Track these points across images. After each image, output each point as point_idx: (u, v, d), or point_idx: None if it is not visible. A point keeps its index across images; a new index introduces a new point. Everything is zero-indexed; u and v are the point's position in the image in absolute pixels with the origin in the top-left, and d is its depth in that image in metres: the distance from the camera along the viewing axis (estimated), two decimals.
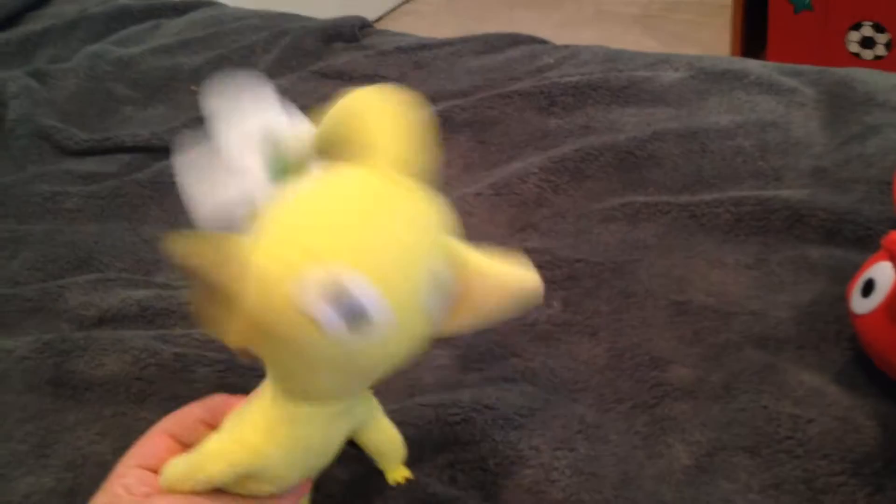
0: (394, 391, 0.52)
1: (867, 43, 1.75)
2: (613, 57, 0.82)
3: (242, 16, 0.95)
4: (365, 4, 2.44)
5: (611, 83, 0.76)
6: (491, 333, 0.55)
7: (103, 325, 0.58)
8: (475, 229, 0.59)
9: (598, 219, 0.64)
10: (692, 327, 0.54)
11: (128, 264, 0.65)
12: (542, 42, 0.89)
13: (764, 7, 1.79)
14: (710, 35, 2.16)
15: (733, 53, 1.89)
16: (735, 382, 0.50)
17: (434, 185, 0.33)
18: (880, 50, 1.74)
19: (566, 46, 0.86)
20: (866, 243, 0.57)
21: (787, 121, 0.69)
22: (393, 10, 2.54)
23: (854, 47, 1.76)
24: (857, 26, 1.74)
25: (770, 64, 0.77)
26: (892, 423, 0.45)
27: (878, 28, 1.72)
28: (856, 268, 0.56)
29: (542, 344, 0.55)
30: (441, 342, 0.54)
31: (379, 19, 2.48)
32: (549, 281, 0.60)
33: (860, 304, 0.47)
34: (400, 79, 0.80)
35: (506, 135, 0.73)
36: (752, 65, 0.77)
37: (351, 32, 0.90)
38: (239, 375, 0.51)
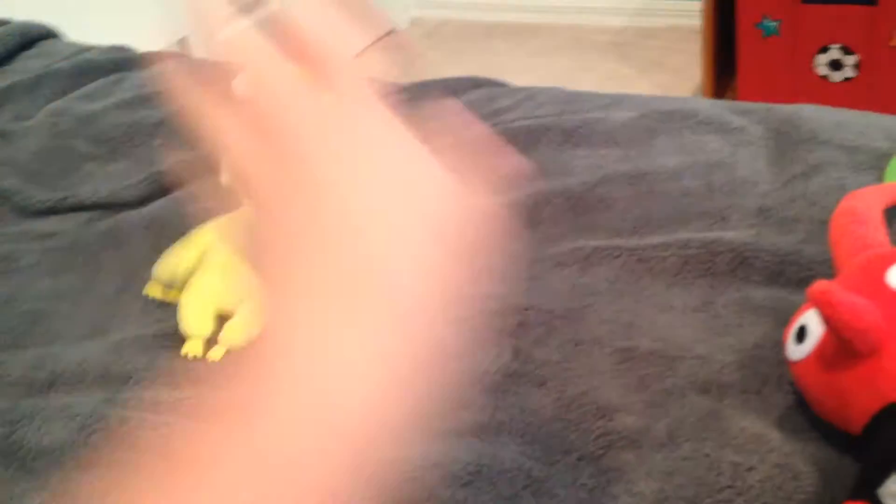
0: None
1: (835, 65, 1.77)
2: (570, 99, 0.84)
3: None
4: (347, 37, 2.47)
5: (563, 125, 0.77)
6: (440, 385, 0.55)
7: (55, 388, 0.58)
8: None
9: (550, 264, 0.65)
10: (638, 374, 0.55)
11: (83, 324, 0.65)
12: (501, 85, 0.90)
13: (734, 33, 1.82)
14: (682, 60, 2.19)
15: (705, 79, 1.92)
16: (679, 430, 0.50)
17: None
18: (849, 72, 1.77)
19: (524, 89, 0.87)
20: (808, 284, 0.57)
21: (733, 160, 0.70)
22: (374, 42, 2.57)
23: (823, 70, 1.79)
24: (824, 49, 1.77)
25: (720, 102, 0.79)
26: (830, 468, 0.46)
27: (846, 50, 1.75)
28: (797, 310, 0.57)
29: (491, 395, 0.55)
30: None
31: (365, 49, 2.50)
32: (500, 330, 0.60)
33: (794, 351, 0.47)
34: None
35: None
36: (702, 104, 0.78)
37: None
38: (183, 438, 0.51)
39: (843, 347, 0.42)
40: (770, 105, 0.77)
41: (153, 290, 0.66)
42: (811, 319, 0.46)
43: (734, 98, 1.92)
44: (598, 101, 0.82)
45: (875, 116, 0.73)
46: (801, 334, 0.47)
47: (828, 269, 0.58)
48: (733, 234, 0.62)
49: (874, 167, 0.66)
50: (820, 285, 0.42)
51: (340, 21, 0.32)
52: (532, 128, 0.77)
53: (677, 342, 0.56)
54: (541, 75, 2.28)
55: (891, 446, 0.40)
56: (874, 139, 0.69)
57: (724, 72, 1.94)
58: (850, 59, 1.76)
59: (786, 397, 0.51)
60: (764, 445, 0.48)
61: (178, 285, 0.64)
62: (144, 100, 0.89)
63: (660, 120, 0.77)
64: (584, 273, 0.63)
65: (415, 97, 0.87)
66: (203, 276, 0.63)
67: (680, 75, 2.16)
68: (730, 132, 0.74)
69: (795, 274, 0.58)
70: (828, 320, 0.42)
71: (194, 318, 0.61)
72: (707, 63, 1.91)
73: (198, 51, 1.89)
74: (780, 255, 0.60)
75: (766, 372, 0.52)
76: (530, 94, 0.85)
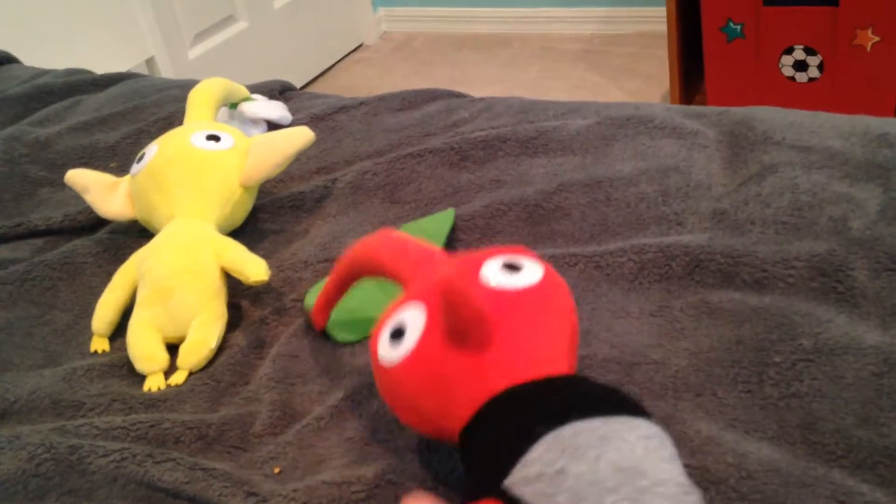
0: (301, 467, 0.51)
1: (800, 66, 1.79)
2: (527, 108, 0.84)
3: (163, 86, 0.96)
4: (317, 55, 2.47)
5: (520, 135, 0.77)
6: None
7: (6, 418, 0.57)
8: None
9: None
10: None
11: (36, 354, 0.64)
12: (460, 96, 0.90)
13: (701, 37, 1.84)
14: (651, 66, 2.20)
15: (673, 84, 1.93)
16: None
17: None
18: (814, 72, 1.79)
19: (482, 99, 0.88)
20: (763, 285, 0.58)
21: (688, 164, 0.71)
22: (343, 58, 2.57)
23: (788, 71, 1.81)
24: (789, 50, 1.79)
25: (675, 107, 0.79)
26: (782, 467, 0.46)
27: (810, 51, 1.77)
28: (753, 310, 0.57)
29: None
30: (347, 413, 0.54)
31: (331, 68, 2.50)
32: None
33: (390, 353, 0.44)
34: (315, 146, 0.80)
35: (419, 192, 0.74)
36: (657, 109, 0.78)
37: (271, 97, 0.91)
38: (137, 464, 0.51)
39: (450, 342, 0.41)
40: (724, 108, 0.77)
41: (99, 345, 0.64)
42: (408, 317, 0.43)
43: (703, 102, 1.93)
44: (556, 109, 0.82)
45: (826, 116, 0.74)
46: (398, 335, 0.43)
47: (782, 269, 0.58)
48: (689, 238, 0.63)
49: (826, 166, 0.66)
50: (451, 275, 0.40)
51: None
52: (490, 138, 0.77)
53: (634, 348, 0.56)
54: (511, 86, 2.29)
55: (507, 434, 0.38)
56: (826, 138, 0.69)
57: (692, 76, 1.96)
58: (814, 60, 1.78)
59: (740, 397, 0.51)
60: (718, 447, 0.48)
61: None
62: (100, 122, 0.88)
63: (616, 126, 0.77)
64: None
65: (373, 111, 0.87)
66: (140, 311, 0.61)
67: (649, 81, 2.18)
68: (685, 136, 0.74)
69: (750, 275, 0.59)
70: (457, 311, 0.40)
71: (144, 356, 0.60)
72: (674, 68, 1.92)
73: (165, 70, 1.88)
74: (734, 256, 0.60)
75: (720, 374, 0.52)
76: (488, 105, 0.85)
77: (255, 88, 0.92)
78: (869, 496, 0.43)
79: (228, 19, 2.15)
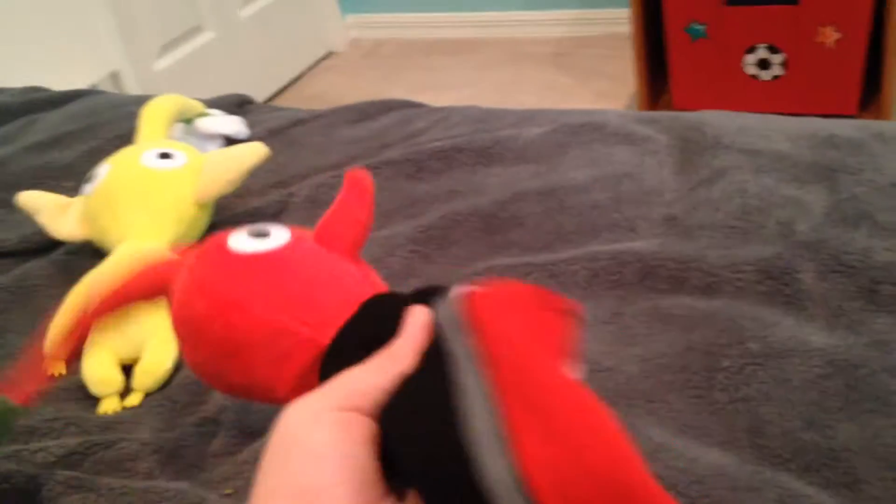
0: None
1: (764, 64, 1.82)
2: (483, 117, 0.84)
3: (120, 104, 0.95)
4: (285, 63, 2.46)
5: (476, 144, 0.77)
6: None
7: None
8: None
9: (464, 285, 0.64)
10: None
11: None
12: (418, 106, 0.90)
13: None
14: (619, 68, 2.22)
15: (638, 85, 1.95)
16: None
17: None
18: (777, 70, 1.81)
19: (440, 109, 0.88)
20: (712, 290, 0.59)
21: (641, 170, 0.71)
22: (313, 66, 2.56)
23: (752, 69, 1.83)
24: (752, 49, 1.81)
25: (628, 113, 0.80)
26: (730, 471, 0.46)
27: (773, 49, 1.79)
28: (703, 315, 0.57)
29: None
30: None
31: (300, 76, 2.50)
32: None
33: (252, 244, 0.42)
34: (272, 160, 0.80)
35: (375, 205, 0.74)
36: (611, 115, 0.79)
37: (229, 112, 0.91)
38: (88, 489, 0.50)
39: None
40: (676, 113, 0.78)
41: (54, 367, 0.63)
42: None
43: (669, 101, 1.95)
44: (511, 117, 0.83)
45: (776, 119, 0.75)
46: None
47: (730, 273, 0.59)
48: (640, 245, 0.63)
49: (775, 169, 0.67)
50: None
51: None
52: (446, 149, 0.77)
53: (587, 356, 0.56)
54: (481, 90, 2.29)
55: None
56: (775, 141, 0.70)
57: (660, 76, 1.98)
58: (777, 58, 1.80)
59: (690, 403, 0.51)
60: (668, 453, 0.48)
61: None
62: (55, 142, 0.87)
63: (570, 134, 0.77)
64: None
65: (330, 123, 0.87)
66: (94, 333, 0.61)
67: (618, 82, 2.19)
68: (637, 142, 0.75)
69: (700, 280, 0.59)
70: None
71: (99, 380, 0.59)
72: (640, 69, 1.94)
73: (130, 84, 1.87)
74: (684, 262, 0.60)
75: (671, 380, 0.53)
76: (445, 115, 0.85)
77: (212, 103, 0.92)
78: (815, 498, 0.44)
79: (195, 30, 2.14)
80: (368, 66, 2.56)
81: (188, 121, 0.82)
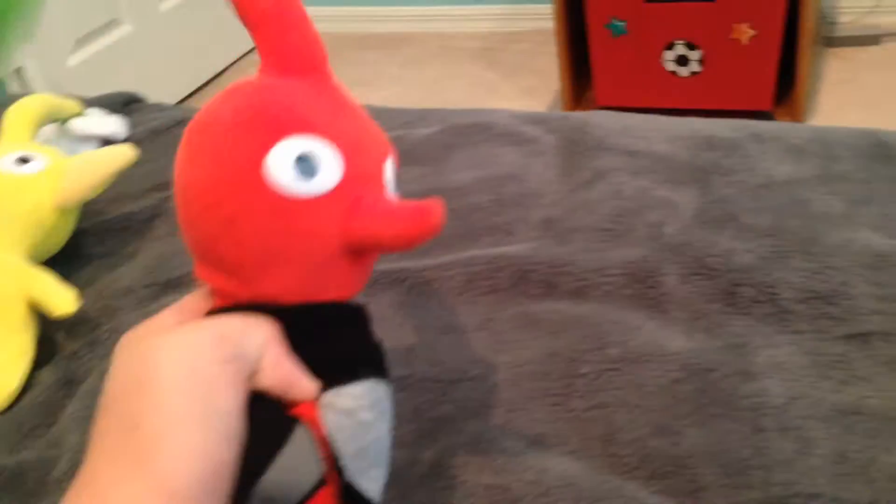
0: None
1: (682, 61, 1.84)
2: (375, 117, 0.82)
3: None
4: (208, 58, 2.40)
5: None
6: None
7: None
8: None
9: None
10: (414, 402, 0.53)
11: None
12: None
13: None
14: (546, 63, 2.22)
15: (562, 81, 1.96)
16: (444, 459, 0.49)
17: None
18: (695, 66, 1.84)
19: None
20: (581, 294, 0.58)
21: (525, 172, 0.71)
22: (238, 60, 2.51)
23: (671, 66, 1.85)
24: (670, 46, 1.83)
25: (519, 113, 0.79)
26: (578, 482, 0.46)
27: (690, 46, 1.81)
28: (570, 320, 0.57)
29: None
30: None
31: (224, 71, 2.44)
32: None
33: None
34: (151, 162, 0.77)
35: None
36: (500, 116, 0.78)
37: (113, 111, 0.87)
38: None
39: None
40: (565, 113, 0.78)
41: None
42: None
43: (593, 97, 1.96)
44: (402, 117, 0.81)
45: (659, 119, 0.75)
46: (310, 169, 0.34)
47: (599, 277, 0.59)
48: (516, 249, 0.62)
49: (652, 171, 0.67)
50: None
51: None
52: None
53: (455, 365, 0.55)
54: (410, 85, 2.27)
55: (343, 354, 0.37)
56: (655, 142, 0.70)
57: (585, 72, 1.99)
58: (694, 54, 1.82)
59: (549, 411, 0.51)
60: (520, 465, 0.47)
61: None
62: None
63: (458, 134, 0.76)
64: (372, 299, 0.62)
65: None
66: None
67: (544, 77, 2.20)
68: (523, 143, 0.74)
69: (569, 284, 0.59)
70: None
71: None
72: (564, 65, 1.94)
73: (36, 80, 1.79)
74: (555, 266, 0.60)
75: (532, 388, 0.52)
76: None
77: (95, 102, 0.88)
78: None
79: (112, 23, 2.07)
80: None
81: (63, 121, 0.79)
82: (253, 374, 0.33)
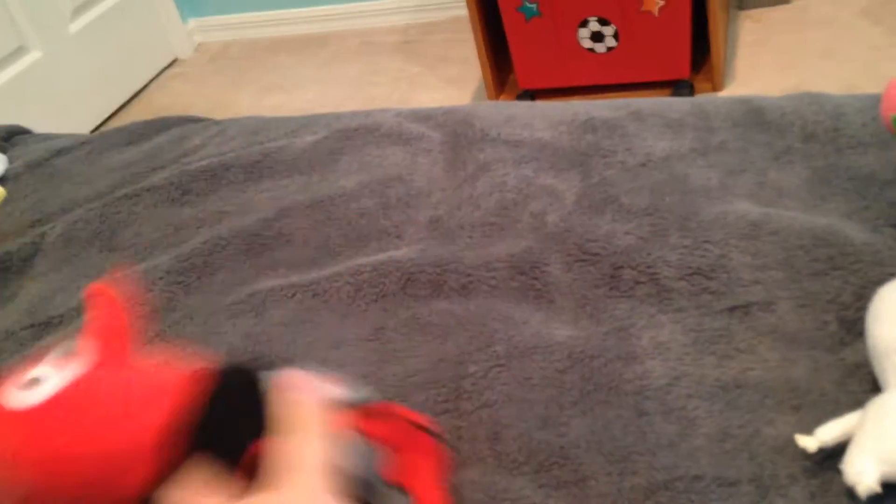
0: None
1: (597, 37, 1.84)
2: (259, 128, 0.80)
3: None
4: (126, 76, 2.33)
5: (244, 160, 0.73)
6: None
7: None
8: None
9: (226, 315, 0.61)
10: None
11: None
12: (197, 121, 0.85)
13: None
14: (467, 51, 2.21)
15: (483, 68, 1.95)
16: None
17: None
18: (610, 41, 1.84)
19: (217, 123, 0.83)
20: (468, 291, 0.57)
21: (411, 171, 0.69)
22: (158, 75, 2.44)
23: (587, 43, 1.86)
24: (584, 23, 1.83)
25: (404, 111, 0.78)
26: (471, 486, 0.45)
27: (604, 22, 1.82)
28: (458, 320, 0.56)
29: None
30: None
31: (145, 87, 2.37)
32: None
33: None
34: (30, 196, 0.74)
35: (138, 235, 0.69)
36: (386, 116, 0.77)
37: None
38: None
39: None
40: (450, 107, 0.76)
41: None
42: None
43: (515, 82, 1.96)
44: (287, 126, 0.79)
45: (541, 106, 0.74)
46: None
47: (484, 272, 0.58)
48: (402, 252, 0.61)
49: (535, 159, 0.67)
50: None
51: None
52: (213, 167, 0.73)
53: (345, 383, 0.54)
54: (331, 85, 2.24)
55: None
56: (537, 130, 0.70)
57: (502, 57, 1.98)
58: (608, 30, 1.83)
59: (440, 418, 0.49)
60: None
61: None
62: None
63: (344, 139, 0.74)
64: (261, 319, 0.60)
65: (97, 149, 0.81)
66: None
67: (467, 66, 2.18)
68: (409, 142, 0.72)
69: (456, 282, 0.58)
70: None
71: None
72: (483, 52, 1.93)
73: None
74: (441, 265, 0.59)
75: (422, 397, 0.51)
76: (222, 128, 0.81)
77: None
78: (543, 502, 0.43)
79: (19, 50, 1.99)
80: (215, 71, 2.46)
81: None
82: None
